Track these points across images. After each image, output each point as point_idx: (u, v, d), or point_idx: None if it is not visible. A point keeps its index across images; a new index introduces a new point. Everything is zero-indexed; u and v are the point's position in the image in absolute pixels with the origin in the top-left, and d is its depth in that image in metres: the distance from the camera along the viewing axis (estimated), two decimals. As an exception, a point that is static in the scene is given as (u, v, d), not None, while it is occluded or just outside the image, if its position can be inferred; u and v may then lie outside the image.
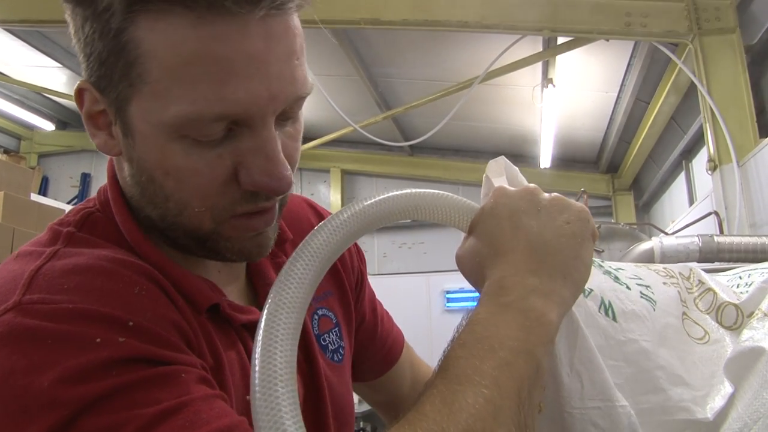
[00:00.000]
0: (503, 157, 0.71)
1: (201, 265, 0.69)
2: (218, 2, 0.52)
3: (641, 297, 0.70)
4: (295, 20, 0.59)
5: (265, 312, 0.52)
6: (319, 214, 0.87)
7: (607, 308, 0.66)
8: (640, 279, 0.74)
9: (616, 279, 0.71)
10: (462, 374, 0.51)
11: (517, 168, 0.71)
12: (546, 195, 0.64)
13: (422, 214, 0.63)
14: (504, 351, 0.53)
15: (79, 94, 0.61)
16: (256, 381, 0.49)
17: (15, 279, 0.55)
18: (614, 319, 0.66)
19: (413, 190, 0.62)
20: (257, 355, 0.50)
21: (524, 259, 0.59)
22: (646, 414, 0.63)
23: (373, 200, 0.59)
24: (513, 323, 0.55)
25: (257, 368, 0.49)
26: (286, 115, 0.60)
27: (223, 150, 0.58)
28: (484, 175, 0.70)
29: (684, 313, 0.73)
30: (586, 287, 0.64)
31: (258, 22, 0.54)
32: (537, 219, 0.62)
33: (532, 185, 0.65)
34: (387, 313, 0.96)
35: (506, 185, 0.67)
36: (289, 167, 0.60)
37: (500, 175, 0.70)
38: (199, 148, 0.57)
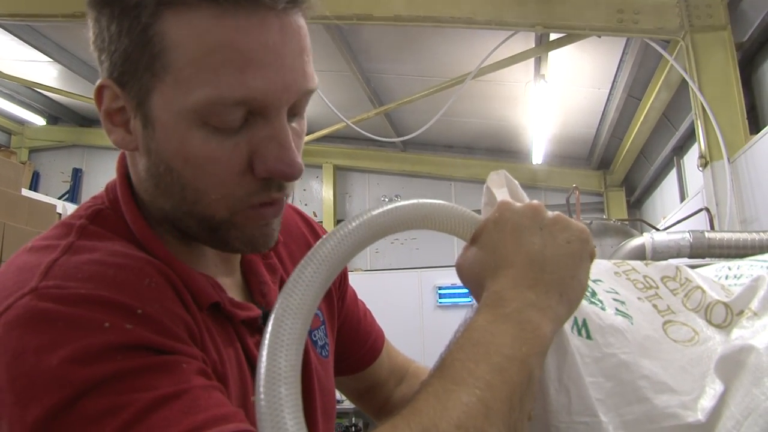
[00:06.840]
0: (504, 171, 0.73)
1: (202, 259, 0.71)
2: None
3: (617, 314, 0.71)
4: (303, 20, 0.63)
5: (273, 317, 0.53)
6: (306, 220, 0.91)
7: (580, 328, 0.67)
8: (616, 293, 0.75)
9: (593, 294, 0.72)
10: (457, 375, 0.54)
11: (517, 182, 0.73)
12: (549, 213, 0.66)
13: (428, 224, 0.64)
14: (498, 357, 0.55)
15: (99, 92, 0.64)
16: (261, 383, 0.50)
17: (32, 269, 0.58)
18: (588, 336, 0.67)
19: (420, 201, 0.63)
20: (263, 358, 0.51)
21: (523, 274, 0.61)
22: (632, 425, 0.64)
23: (381, 210, 0.61)
24: (509, 333, 0.57)
25: (263, 371, 0.50)
26: (294, 110, 0.64)
27: (240, 139, 0.61)
28: (485, 186, 0.72)
29: (667, 321, 0.74)
30: None
31: (275, 18, 0.59)
32: (539, 236, 0.63)
33: (535, 202, 0.67)
34: (369, 310, 1.00)
35: (508, 198, 0.68)
36: (299, 155, 0.63)
37: (501, 186, 0.71)
38: (218, 137, 0.60)
